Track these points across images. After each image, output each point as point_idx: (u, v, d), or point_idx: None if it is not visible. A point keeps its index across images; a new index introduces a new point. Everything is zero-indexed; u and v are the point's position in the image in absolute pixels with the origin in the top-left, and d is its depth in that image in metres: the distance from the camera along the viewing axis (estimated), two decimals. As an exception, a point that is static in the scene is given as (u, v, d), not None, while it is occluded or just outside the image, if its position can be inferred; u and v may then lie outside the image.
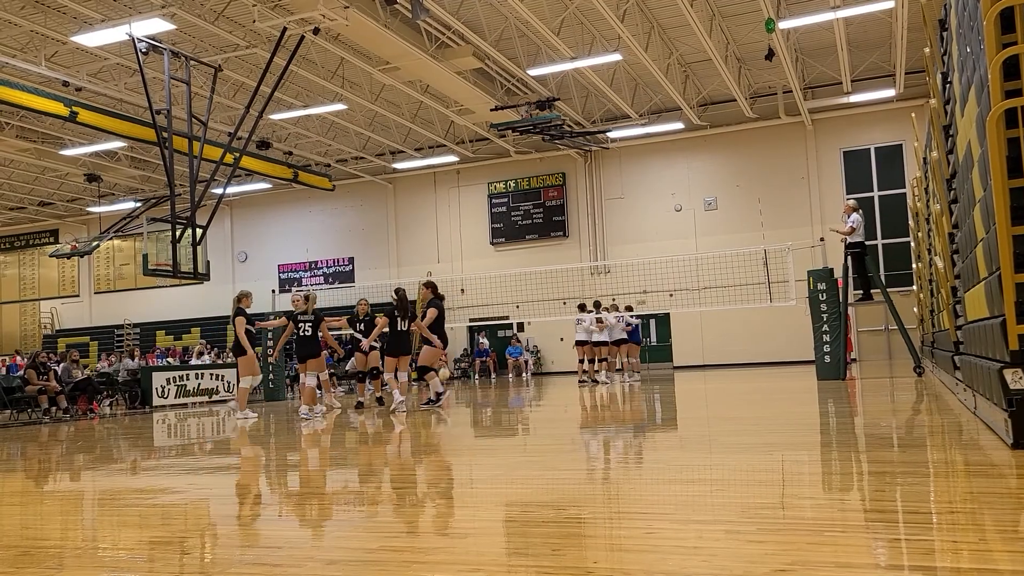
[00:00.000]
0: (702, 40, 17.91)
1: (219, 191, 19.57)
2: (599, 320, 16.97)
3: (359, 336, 13.17)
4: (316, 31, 15.94)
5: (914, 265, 18.13)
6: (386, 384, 12.28)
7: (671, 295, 23.36)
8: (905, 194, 22.98)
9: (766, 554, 2.81)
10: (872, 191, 24.29)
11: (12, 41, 17.60)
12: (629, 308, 18.95)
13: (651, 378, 18.60)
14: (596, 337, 17.09)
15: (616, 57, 19.03)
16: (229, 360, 21.08)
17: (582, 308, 17.20)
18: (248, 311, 12.23)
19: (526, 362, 25.78)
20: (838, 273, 14.07)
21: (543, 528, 3.49)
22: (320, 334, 12.07)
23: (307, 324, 12.01)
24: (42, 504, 5.25)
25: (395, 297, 11.56)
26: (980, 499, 3.59)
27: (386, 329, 11.72)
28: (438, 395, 11.66)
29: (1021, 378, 4.49)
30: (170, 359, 24.70)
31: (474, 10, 17.19)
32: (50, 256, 31.41)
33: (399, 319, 11.45)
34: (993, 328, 4.97)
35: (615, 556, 2.97)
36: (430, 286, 11.97)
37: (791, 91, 22.10)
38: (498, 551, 3.17)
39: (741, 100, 22.46)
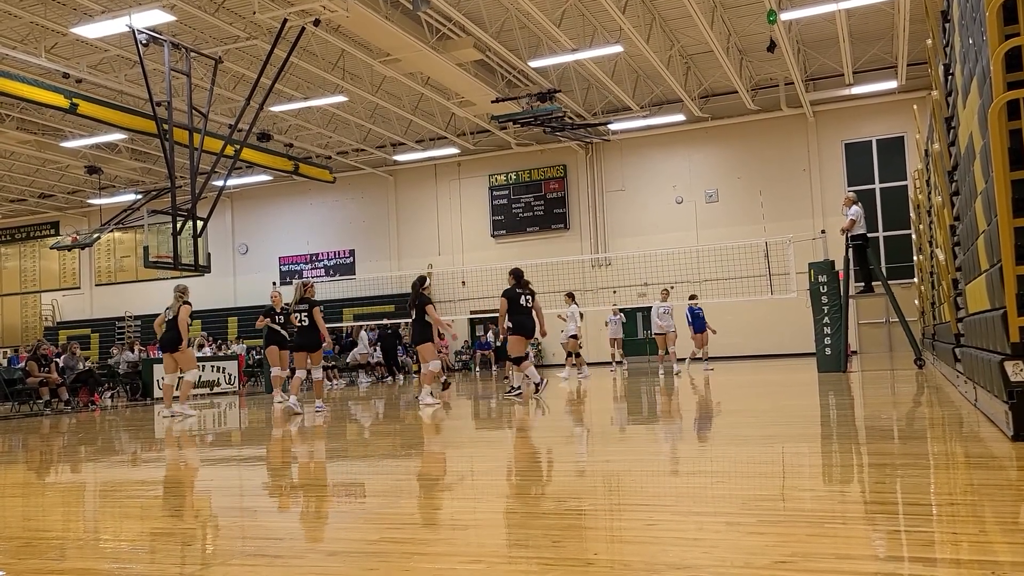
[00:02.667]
0: (704, 32, 17.86)
1: (220, 183, 19.56)
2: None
3: (276, 328, 13.10)
4: (316, 23, 15.90)
5: (915, 257, 18.11)
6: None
7: (672, 287, 23.33)
8: (906, 186, 22.95)
9: (766, 546, 2.81)
10: (873, 183, 24.25)
11: (12, 33, 17.57)
12: (693, 297, 18.51)
13: (651, 370, 18.60)
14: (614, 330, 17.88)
15: (617, 49, 18.98)
16: (230, 352, 21.11)
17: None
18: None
19: (527, 354, 25.76)
20: (839, 265, 14.06)
21: (543, 520, 3.49)
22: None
23: (303, 314, 11.04)
24: (44, 495, 5.26)
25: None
26: (980, 491, 3.59)
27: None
28: (536, 385, 10.96)
29: (1022, 370, 4.49)
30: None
31: (475, 1, 17.15)
32: (51, 248, 31.36)
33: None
34: (994, 320, 4.97)
35: (616, 548, 2.97)
36: (512, 273, 11.17)
37: (793, 83, 22.05)
38: (499, 543, 3.18)
39: (742, 92, 22.41)
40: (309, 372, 11.38)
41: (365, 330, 23.90)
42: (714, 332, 18.31)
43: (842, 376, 12.50)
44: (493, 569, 2.72)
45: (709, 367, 17.55)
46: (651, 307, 17.45)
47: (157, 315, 11.97)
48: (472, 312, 25.87)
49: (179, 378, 11.60)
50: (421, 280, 11.26)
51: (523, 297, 10.88)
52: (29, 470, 6.62)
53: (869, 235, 14.56)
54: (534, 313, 11.07)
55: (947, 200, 8.66)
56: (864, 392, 9.79)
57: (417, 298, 11.03)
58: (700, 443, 5.95)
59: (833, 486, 4.11)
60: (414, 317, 11.11)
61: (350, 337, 25.71)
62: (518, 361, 11.15)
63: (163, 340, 11.34)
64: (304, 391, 13.73)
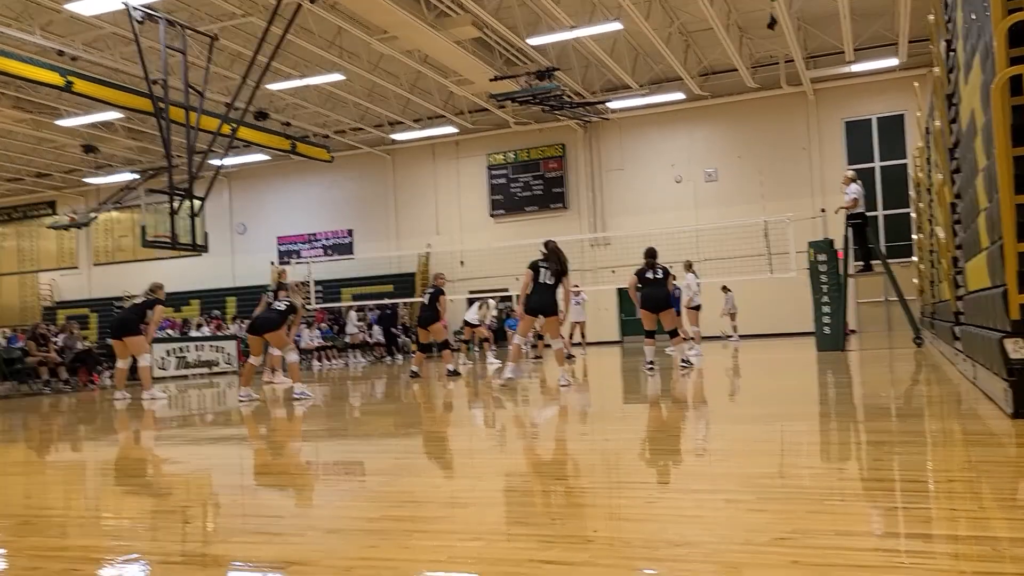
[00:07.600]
0: (704, 8, 17.72)
1: (217, 162, 19.48)
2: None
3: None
4: (313, -1, 15.77)
5: (915, 236, 18.07)
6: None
7: (671, 267, 23.33)
8: (907, 164, 22.87)
9: (766, 523, 2.82)
10: (873, 162, 24.17)
11: (6, 10, 17.41)
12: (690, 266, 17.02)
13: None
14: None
15: (616, 26, 18.83)
16: (228, 332, 21.12)
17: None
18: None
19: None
20: (838, 244, 14.05)
21: (543, 498, 3.50)
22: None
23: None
24: (44, 474, 5.27)
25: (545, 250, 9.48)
26: (979, 468, 3.60)
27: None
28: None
29: (1022, 347, 4.49)
30: (170, 331, 24.72)
31: (473, -22, 16.99)
32: (48, 227, 31.33)
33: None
34: (994, 298, 4.96)
35: (615, 525, 2.98)
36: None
37: (793, 60, 21.91)
38: (499, 520, 3.18)
39: (742, 70, 22.27)
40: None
41: (354, 310, 23.89)
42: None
43: (841, 355, 12.52)
44: (492, 546, 2.72)
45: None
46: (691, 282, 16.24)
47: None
48: (471, 292, 25.81)
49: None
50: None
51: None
52: (29, 449, 6.63)
53: (869, 214, 14.51)
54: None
55: (948, 178, 8.63)
56: (863, 371, 9.80)
57: (561, 264, 9.27)
58: (699, 421, 5.96)
59: (832, 464, 4.12)
60: (552, 283, 9.26)
61: (344, 320, 25.75)
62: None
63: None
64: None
